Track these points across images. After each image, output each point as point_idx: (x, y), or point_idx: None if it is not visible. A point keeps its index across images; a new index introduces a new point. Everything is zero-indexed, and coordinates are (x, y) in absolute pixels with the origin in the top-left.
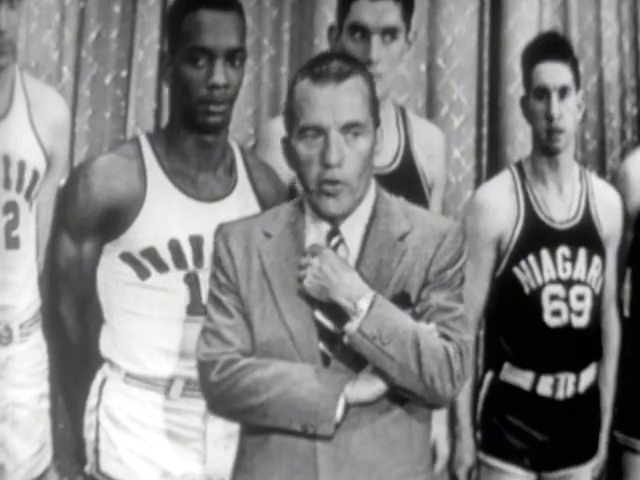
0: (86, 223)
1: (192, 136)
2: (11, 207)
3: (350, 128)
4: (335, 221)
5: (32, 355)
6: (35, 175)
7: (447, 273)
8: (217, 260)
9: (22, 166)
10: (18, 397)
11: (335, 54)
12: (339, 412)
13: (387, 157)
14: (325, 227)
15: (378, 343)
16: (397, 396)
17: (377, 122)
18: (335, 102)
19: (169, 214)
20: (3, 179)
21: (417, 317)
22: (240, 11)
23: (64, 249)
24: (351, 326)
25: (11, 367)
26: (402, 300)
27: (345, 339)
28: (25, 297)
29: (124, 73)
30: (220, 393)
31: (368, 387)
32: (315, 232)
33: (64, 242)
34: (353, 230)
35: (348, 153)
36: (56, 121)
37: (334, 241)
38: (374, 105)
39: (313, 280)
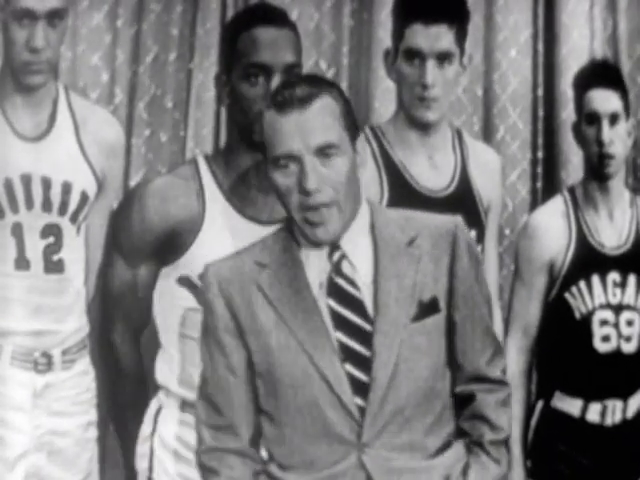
0: (141, 247)
1: (251, 155)
2: (52, 230)
3: (323, 150)
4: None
5: (78, 382)
6: (84, 197)
7: (478, 277)
8: (209, 307)
9: (67, 188)
10: (59, 425)
11: (302, 77)
12: None
13: (444, 180)
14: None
15: None
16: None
17: (354, 135)
18: (303, 127)
19: (228, 236)
20: (41, 201)
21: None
22: (294, 28)
23: (118, 274)
24: None
25: (49, 395)
26: (432, 307)
27: None
28: (70, 322)
29: (183, 95)
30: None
31: None
32: (315, 254)
33: (118, 266)
34: (355, 244)
35: (327, 175)
36: (108, 142)
37: (336, 257)
38: (349, 120)
39: None
